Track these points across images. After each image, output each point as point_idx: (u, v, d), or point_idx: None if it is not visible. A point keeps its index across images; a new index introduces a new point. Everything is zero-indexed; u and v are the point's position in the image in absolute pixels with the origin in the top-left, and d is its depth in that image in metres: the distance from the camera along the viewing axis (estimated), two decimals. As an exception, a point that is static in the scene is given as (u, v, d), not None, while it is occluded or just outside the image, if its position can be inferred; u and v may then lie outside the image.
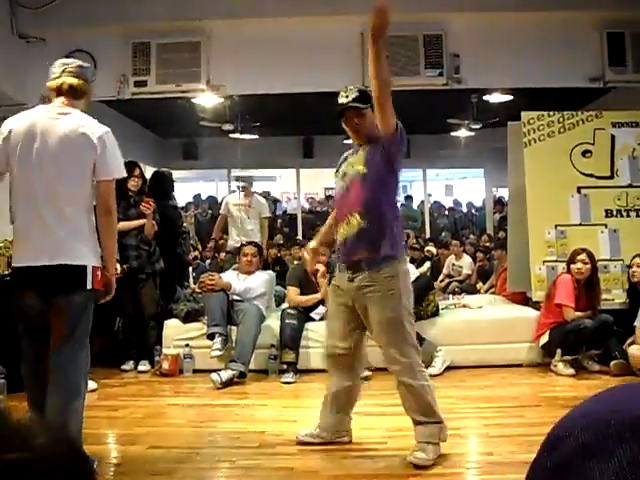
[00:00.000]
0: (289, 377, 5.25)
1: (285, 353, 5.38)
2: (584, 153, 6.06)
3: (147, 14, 6.09)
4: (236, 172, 12.33)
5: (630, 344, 5.02)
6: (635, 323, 5.00)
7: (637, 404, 0.50)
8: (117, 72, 6.21)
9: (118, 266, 5.21)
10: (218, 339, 5.34)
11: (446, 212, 14.94)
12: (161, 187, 6.50)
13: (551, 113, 6.13)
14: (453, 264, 9.38)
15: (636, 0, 5.89)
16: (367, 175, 3.44)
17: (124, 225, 5.61)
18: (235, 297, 5.69)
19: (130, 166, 5.89)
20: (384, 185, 3.48)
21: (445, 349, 5.47)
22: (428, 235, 12.74)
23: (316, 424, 3.76)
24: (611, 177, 6.07)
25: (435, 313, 5.77)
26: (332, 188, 16.84)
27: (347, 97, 3.50)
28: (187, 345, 5.58)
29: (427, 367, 5.31)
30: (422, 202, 14.13)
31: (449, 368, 5.45)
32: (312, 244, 3.90)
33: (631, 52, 6.10)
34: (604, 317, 5.37)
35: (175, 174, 8.02)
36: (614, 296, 5.86)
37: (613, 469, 0.46)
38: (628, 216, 6.02)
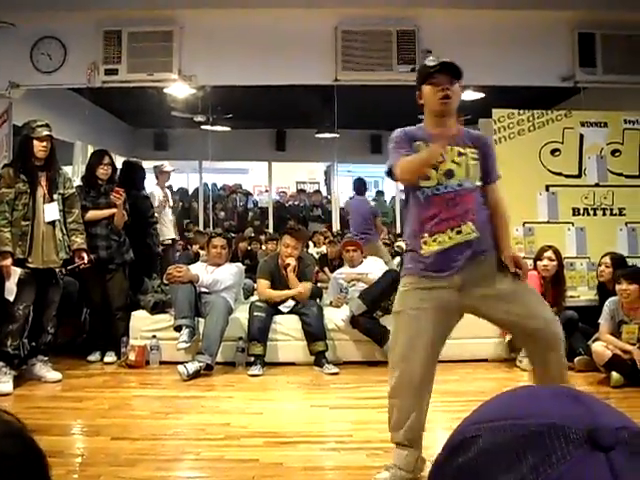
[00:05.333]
0: (256, 370, 5.24)
1: (253, 345, 5.37)
2: (553, 152, 6.13)
3: (119, 2, 6.02)
4: (206, 164, 12.30)
5: (594, 341, 5.08)
6: (599, 320, 5.07)
7: (539, 410, 0.50)
8: (88, 60, 6.13)
9: (86, 256, 5.17)
10: (185, 331, 5.31)
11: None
12: (132, 177, 6.44)
13: (521, 111, 6.19)
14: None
15: (607, 2, 5.97)
16: (479, 187, 3.06)
17: (93, 214, 5.55)
18: (203, 289, 5.66)
19: (100, 154, 5.85)
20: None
21: (412, 344, 5.49)
22: (399, 230, 12.78)
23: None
24: (579, 176, 6.14)
25: (403, 307, 5.78)
26: (304, 182, 16.91)
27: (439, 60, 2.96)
28: (154, 337, 5.53)
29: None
30: (393, 198, 14.16)
31: (416, 362, 5.47)
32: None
33: (601, 53, 6.17)
34: (569, 314, 5.44)
35: (146, 165, 7.97)
36: (580, 293, 5.95)
37: (517, 476, 0.46)
38: (595, 215, 6.10)
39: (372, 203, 9.95)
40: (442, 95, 2.91)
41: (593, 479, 0.45)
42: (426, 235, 2.95)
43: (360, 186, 9.53)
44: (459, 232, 2.93)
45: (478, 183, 3.03)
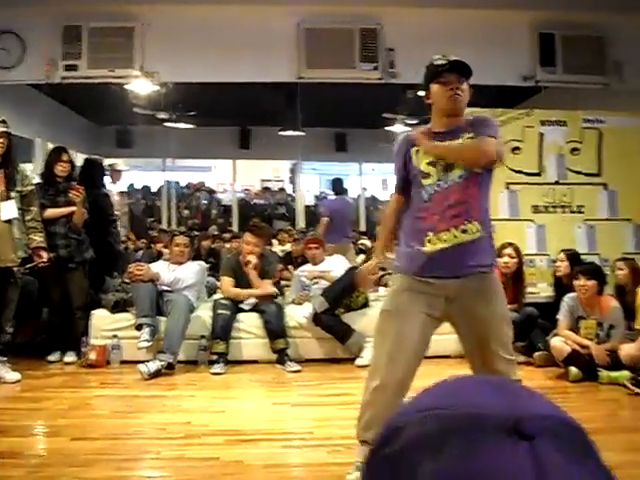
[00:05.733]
0: (219, 368, 5.21)
1: (216, 344, 5.34)
2: (514, 150, 6.19)
3: (79, -4, 5.96)
4: (170, 162, 12.22)
5: (553, 336, 5.16)
6: (558, 316, 5.14)
7: (465, 400, 0.50)
8: (46, 55, 6.04)
9: (45, 254, 5.09)
10: (146, 330, 5.26)
11: (380, 206, 15.07)
12: (92, 175, 6.36)
13: (483, 110, 6.23)
14: (386, 257, 9.47)
15: (566, 3, 6.06)
16: (481, 175, 2.90)
17: (52, 212, 5.47)
18: (165, 287, 5.62)
19: (58, 151, 5.77)
20: (489, 187, 2.99)
21: (375, 340, 5.51)
22: (363, 229, 12.84)
23: None
24: (539, 174, 6.22)
25: (365, 304, 5.81)
26: (269, 180, 16.88)
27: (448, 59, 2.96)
28: (115, 336, 5.47)
29: (356, 358, 5.40)
30: (358, 196, 14.21)
31: (379, 359, 5.50)
32: (379, 256, 3.39)
33: (561, 53, 6.27)
34: (529, 310, 5.53)
35: (108, 162, 7.90)
36: (539, 289, 6.02)
37: (438, 466, 0.46)
38: (554, 212, 6.19)
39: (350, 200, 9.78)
40: (451, 94, 2.88)
41: (515, 467, 0.45)
42: (431, 234, 2.85)
43: (339, 186, 9.28)
44: (464, 231, 2.84)
45: (479, 170, 2.89)
